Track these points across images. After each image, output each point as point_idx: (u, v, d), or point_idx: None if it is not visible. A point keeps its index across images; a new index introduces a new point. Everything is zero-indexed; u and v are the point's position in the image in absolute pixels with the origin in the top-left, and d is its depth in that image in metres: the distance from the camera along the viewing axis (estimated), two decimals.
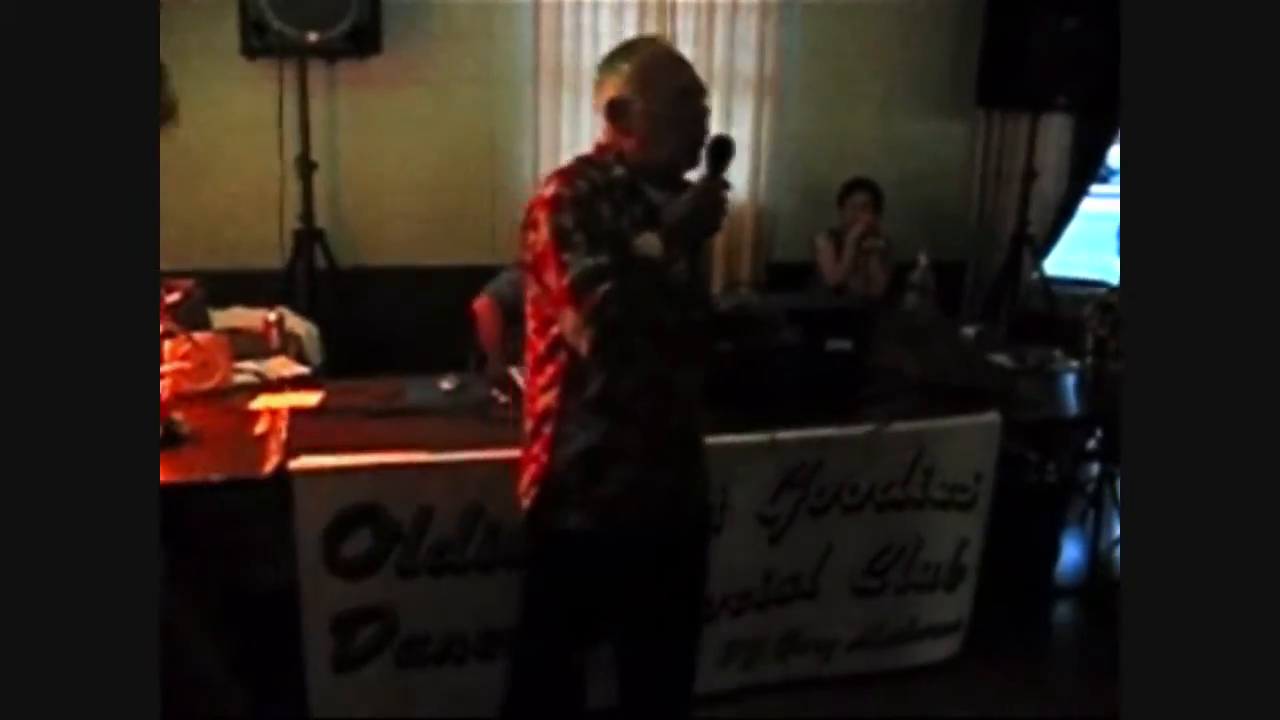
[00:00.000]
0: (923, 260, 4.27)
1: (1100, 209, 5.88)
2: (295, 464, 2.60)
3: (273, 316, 3.66)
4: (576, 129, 4.91)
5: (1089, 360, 3.84)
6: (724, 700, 2.98)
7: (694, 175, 2.13)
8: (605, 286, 1.95)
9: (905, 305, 4.30)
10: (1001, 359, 3.92)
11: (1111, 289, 4.01)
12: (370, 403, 3.09)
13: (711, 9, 5.03)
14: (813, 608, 3.12)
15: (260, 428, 2.86)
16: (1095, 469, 4.38)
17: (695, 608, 2.45)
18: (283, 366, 3.42)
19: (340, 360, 4.04)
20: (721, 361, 2.30)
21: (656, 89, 2.11)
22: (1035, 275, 5.62)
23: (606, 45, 4.78)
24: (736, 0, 5.05)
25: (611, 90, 2.13)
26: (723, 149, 2.07)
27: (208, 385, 3.14)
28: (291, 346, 3.70)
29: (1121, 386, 3.36)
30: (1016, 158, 5.61)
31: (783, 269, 5.26)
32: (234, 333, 3.50)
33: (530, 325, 2.19)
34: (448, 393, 3.25)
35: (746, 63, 5.13)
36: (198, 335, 3.22)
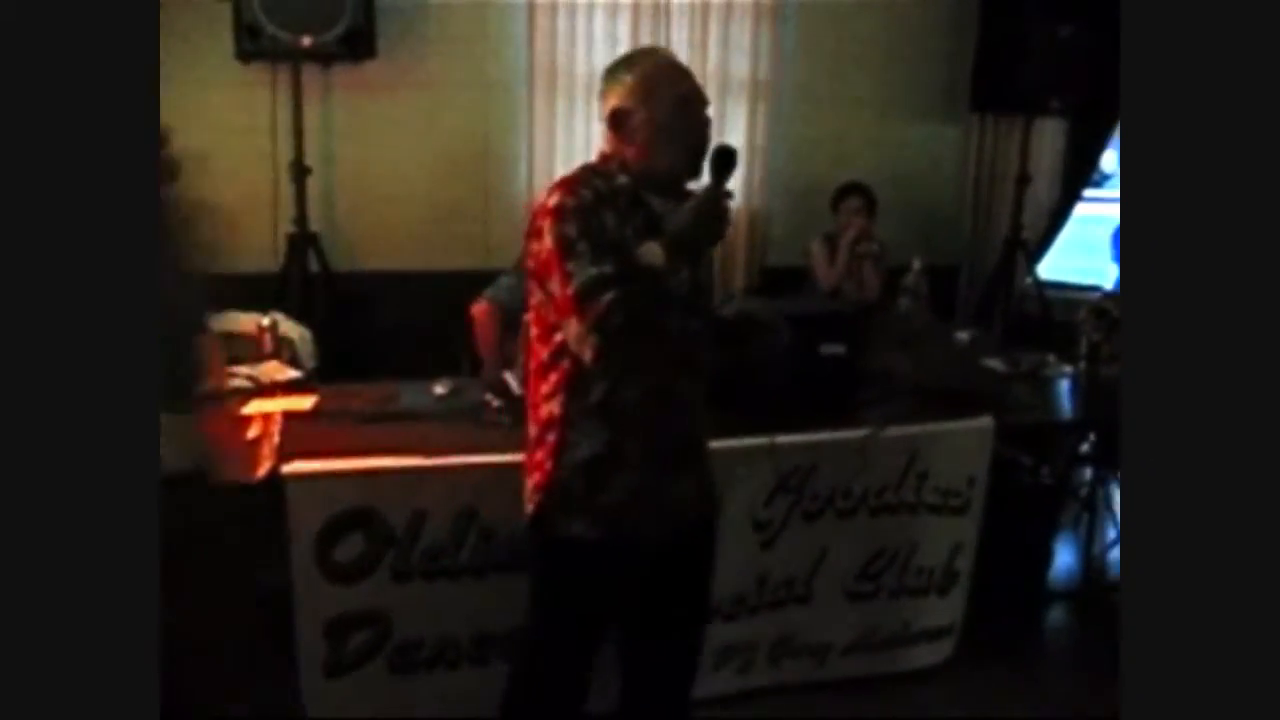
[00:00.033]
0: (916, 265, 4.27)
1: (1094, 213, 5.88)
2: (288, 468, 2.60)
3: (266, 321, 3.65)
4: (571, 133, 4.92)
5: (1082, 365, 3.86)
6: (718, 705, 2.98)
7: (695, 184, 2.14)
8: (609, 295, 1.96)
9: (899, 310, 4.30)
10: (995, 363, 3.93)
11: (1105, 294, 4.03)
12: (364, 407, 3.09)
13: (706, 13, 5.03)
14: (806, 612, 3.12)
15: (253, 432, 2.85)
16: (1089, 473, 4.39)
17: (698, 613, 2.46)
18: (276, 371, 3.42)
19: (334, 365, 4.03)
20: (716, 366, 2.32)
21: (659, 99, 2.13)
22: (1029, 280, 5.63)
23: (601, 49, 4.82)
24: (731, 4, 5.06)
25: (614, 100, 2.15)
26: (725, 159, 2.08)
27: (201, 389, 3.13)
28: (285, 351, 3.70)
29: (1118, 388, 3.37)
30: (1010, 162, 5.63)
31: (777, 273, 5.27)
32: (228, 337, 3.49)
33: (533, 332, 2.20)
34: (441, 397, 3.25)
35: (741, 67, 5.14)
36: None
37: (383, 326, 4.61)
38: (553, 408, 2.16)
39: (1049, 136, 5.72)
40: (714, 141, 2.15)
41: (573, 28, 4.85)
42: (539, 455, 2.20)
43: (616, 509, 2.15)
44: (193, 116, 4.33)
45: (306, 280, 4.51)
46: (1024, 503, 3.81)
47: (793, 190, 5.34)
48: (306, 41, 4.16)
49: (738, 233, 5.22)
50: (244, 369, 3.34)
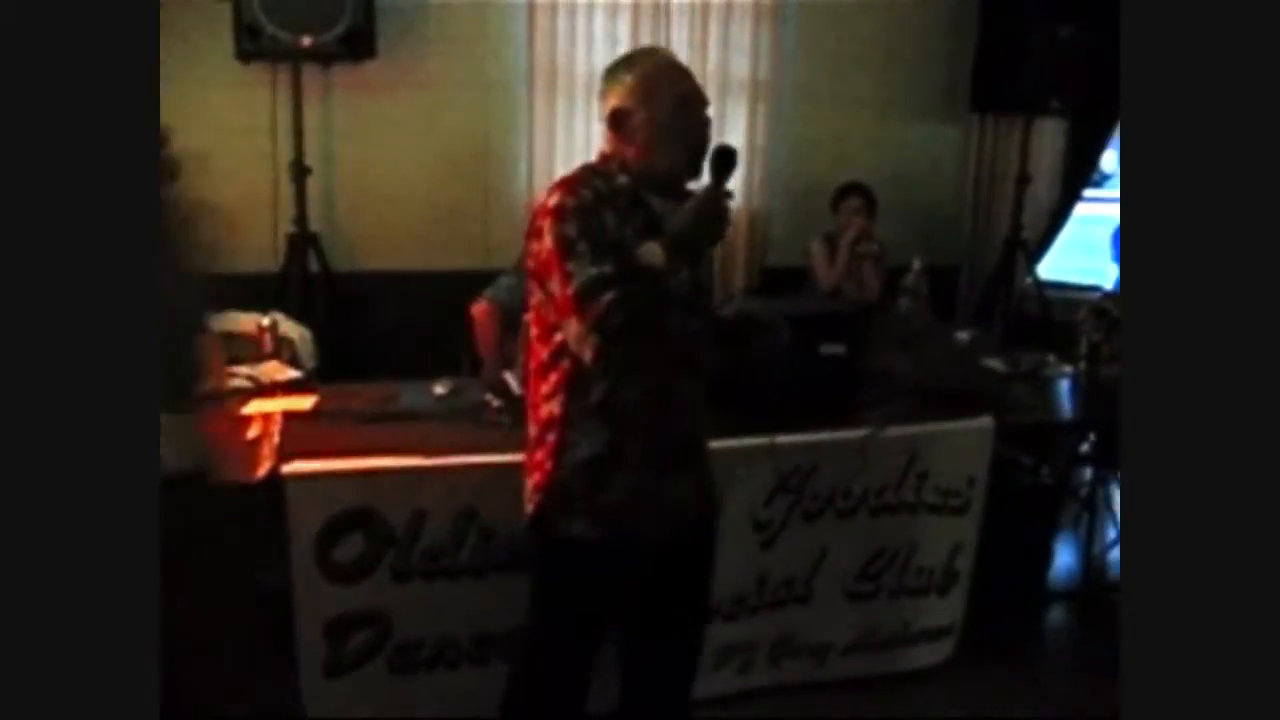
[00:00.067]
0: (916, 264, 4.27)
1: (1093, 213, 5.89)
2: (288, 468, 2.60)
3: (266, 321, 3.65)
4: (570, 133, 4.92)
5: (1082, 365, 3.86)
6: (718, 705, 2.98)
7: (695, 184, 2.15)
8: (609, 295, 1.96)
9: (899, 309, 4.30)
10: (995, 363, 3.93)
11: (1105, 294, 4.03)
12: (364, 407, 3.09)
13: (706, 13, 5.03)
14: (806, 612, 3.12)
15: (253, 432, 2.85)
16: (1089, 473, 4.39)
17: (699, 613, 2.47)
18: (276, 371, 3.42)
19: (334, 365, 4.03)
20: (716, 366, 2.32)
21: (659, 99, 2.13)
22: (1029, 280, 5.63)
23: (601, 49, 4.82)
24: (731, 4, 5.06)
25: (614, 100, 2.15)
26: (725, 159, 2.08)
27: (201, 389, 3.13)
28: (285, 351, 3.70)
29: (1118, 388, 3.37)
30: (1010, 162, 5.63)
31: (777, 273, 5.27)
32: (228, 337, 3.49)
33: (533, 332, 2.20)
34: (441, 397, 3.25)
35: (741, 67, 5.14)
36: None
37: (383, 326, 4.61)
38: (553, 408, 2.16)
39: (1049, 136, 5.73)
40: (714, 141, 2.15)
41: (573, 28, 4.85)
42: (539, 455, 2.20)
43: (616, 509, 2.15)
44: (193, 116, 4.33)
45: (306, 280, 4.51)
46: (1024, 503, 3.81)
47: (793, 190, 5.34)
48: (306, 41, 4.16)
49: (738, 233, 5.22)
50: (244, 369, 3.34)
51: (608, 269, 1.98)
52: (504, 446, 2.62)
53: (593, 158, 2.24)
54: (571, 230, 2.02)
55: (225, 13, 4.17)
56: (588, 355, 2.02)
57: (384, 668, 2.74)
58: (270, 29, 4.11)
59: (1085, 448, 4.35)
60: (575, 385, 2.13)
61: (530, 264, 2.12)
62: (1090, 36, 5.01)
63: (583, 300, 1.98)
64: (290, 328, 3.98)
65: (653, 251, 2.00)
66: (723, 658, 3.04)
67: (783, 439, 2.91)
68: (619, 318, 1.97)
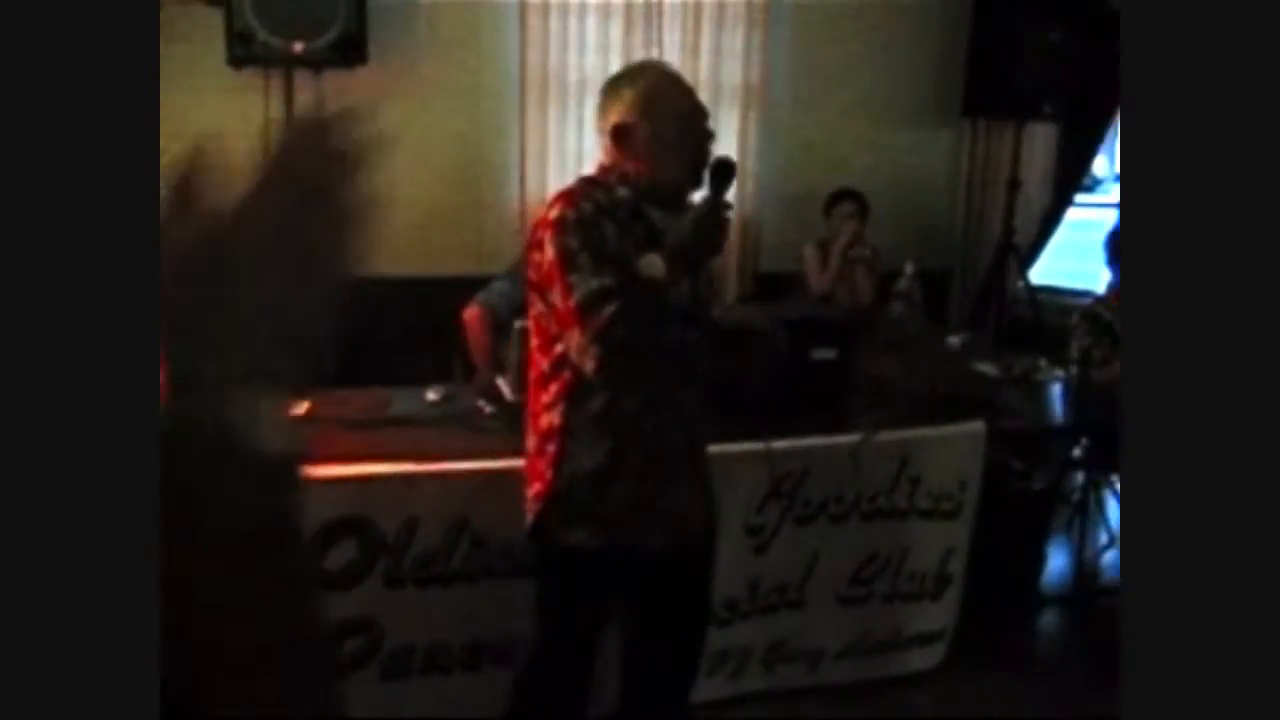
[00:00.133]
0: (909, 269, 4.28)
1: (1085, 218, 5.91)
2: None
3: None
4: (563, 138, 4.91)
5: (1074, 369, 3.86)
6: (711, 709, 2.98)
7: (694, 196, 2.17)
8: (611, 308, 1.98)
9: (891, 314, 4.31)
10: (987, 368, 3.94)
11: (1097, 298, 4.04)
12: (356, 413, 3.09)
13: (698, 19, 5.04)
14: (799, 617, 3.12)
15: None
16: (1080, 477, 4.40)
17: (699, 618, 2.48)
18: None
19: (325, 371, 4.02)
20: (713, 373, 2.34)
21: (660, 113, 2.15)
22: (1021, 284, 5.64)
23: (593, 55, 4.82)
24: (723, 10, 5.06)
25: (615, 115, 2.17)
26: (725, 171, 2.11)
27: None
28: None
29: (1110, 393, 3.37)
30: (1002, 167, 5.63)
31: (769, 279, 5.27)
32: None
33: (533, 343, 2.22)
34: (434, 403, 3.25)
35: (733, 72, 5.14)
36: None
37: (374, 332, 4.60)
38: (553, 418, 2.17)
39: (1041, 141, 5.74)
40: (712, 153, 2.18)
41: (565, 33, 4.85)
42: (539, 465, 2.21)
43: (617, 519, 2.17)
44: (185, 122, 4.33)
45: None
46: (1016, 507, 3.82)
47: (785, 195, 5.34)
48: (298, 47, 4.16)
49: (731, 238, 5.21)
50: None
51: (609, 281, 2.00)
52: (497, 453, 2.63)
53: (585, 163, 2.26)
54: (573, 242, 2.04)
55: (217, 18, 4.16)
56: (589, 367, 2.04)
57: (376, 674, 2.74)
58: (262, 35, 4.11)
59: (1077, 452, 4.36)
60: (576, 396, 2.14)
61: (531, 276, 2.14)
62: (1082, 41, 5.01)
63: (585, 312, 2.00)
64: None
65: (653, 264, 2.02)
66: (716, 663, 3.04)
67: (776, 444, 2.92)
68: (621, 330, 1.99)
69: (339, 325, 0.67)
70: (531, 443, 2.24)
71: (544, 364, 2.18)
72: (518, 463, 2.34)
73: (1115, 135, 6.03)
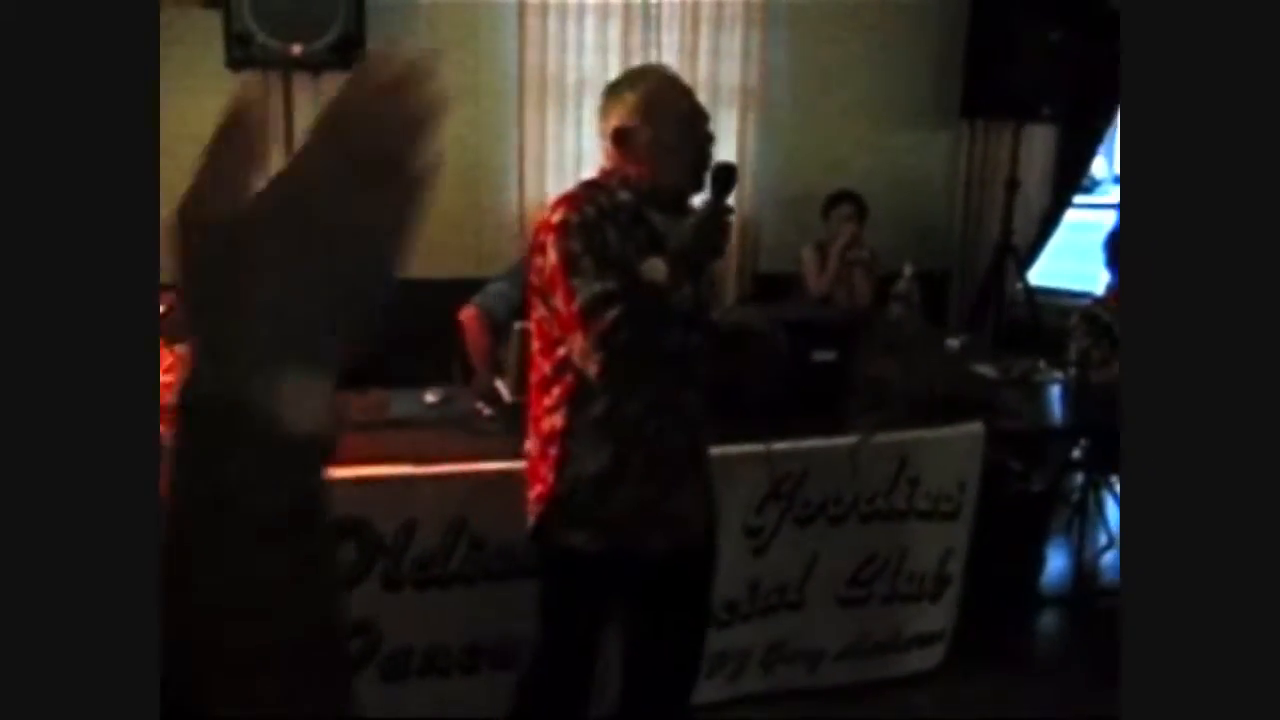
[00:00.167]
0: (907, 271, 4.29)
1: (1084, 219, 5.91)
2: None
3: None
4: (561, 140, 4.91)
5: (1073, 370, 3.86)
6: (710, 711, 2.98)
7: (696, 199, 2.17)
8: (613, 311, 1.98)
9: (890, 316, 4.31)
10: (986, 369, 3.94)
11: (1096, 299, 4.04)
12: (355, 415, 3.08)
13: (696, 20, 5.04)
14: (798, 618, 3.12)
15: None
16: (1079, 478, 4.40)
17: (700, 620, 2.49)
18: None
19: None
20: (713, 374, 2.34)
21: (663, 117, 2.16)
22: (1019, 285, 5.64)
23: (592, 56, 4.82)
24: (721, 11, 5.06)
25: (617, 119, 2.17)
26: (726, 175, 2.12)
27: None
28: None
29: (1109, 394, 3.37)
30: (1000, 168, 5.64)
31: (768, 280, 5.27)
32: None
33: (535, 346, 2.22)
34: (432, 405, 3.25)
35: (731, 73, 5.14)
36: (180, 348, 3.21)
37: (373, 334, 4.59)
38: (555, 421, 2.17)
39: (1039, 142, 5.74)
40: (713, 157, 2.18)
41: (563, 35, 4.85)
42: (542, 468, 2.21)
43: (619, 522, 2.17)
44: (183, 125, 4.33)
45: None
46: (1015, 508, 3.82)
47: (783, 197, 5.34)
48: (297, 50, 4.15)
49: (730, 240, 5.21)
50: None
51: (612, 285, 2.00)
52: (495, 455, 2.63)
53: (584, 164, 2.27)
54: (576, 246, 2.04)
55: (216, 21, 4.16)
56: (592, 370, 2.04)
57: (375, 676, 2.73)
58: (261, 37, 4.10)
59: (1076, 453, 4.36)
60: (578, 399, 2.14)
61: (533, 279, 2.14)
62: (1081, 42, 5.01)
63: (587, 316, 2.00)
64: None
65: (656, 268, 2.03)
66: (715, 664, 3.04)
67: (776, 446, 2.92)
68: (623, 333, 1.99)
69: (385, 311, 0.64)
70: (533, 445, 2.24)
71: (546, 367, 2.18)
72: (516, 464, 2.35)
73: (1114, 136, 6.03)
